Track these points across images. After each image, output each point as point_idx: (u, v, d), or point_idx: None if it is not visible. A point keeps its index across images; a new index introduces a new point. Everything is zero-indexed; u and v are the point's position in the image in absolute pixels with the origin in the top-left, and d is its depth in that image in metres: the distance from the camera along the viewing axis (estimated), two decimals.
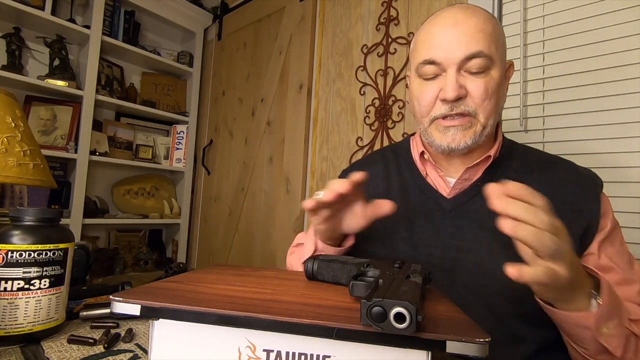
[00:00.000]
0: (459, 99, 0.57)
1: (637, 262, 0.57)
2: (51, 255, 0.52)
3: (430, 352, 0.29)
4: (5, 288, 0.49)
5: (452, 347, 0.28)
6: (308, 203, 0.51)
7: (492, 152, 0.61)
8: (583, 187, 0.59)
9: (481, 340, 0.28)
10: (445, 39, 0.57)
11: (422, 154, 0.67)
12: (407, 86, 0.72)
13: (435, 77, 0.59)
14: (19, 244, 0.50)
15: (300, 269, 0.61)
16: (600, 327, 0.42)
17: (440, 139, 0.59)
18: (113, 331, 0.54)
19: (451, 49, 0.56)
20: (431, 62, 0.58)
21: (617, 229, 0.59)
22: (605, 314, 0.42)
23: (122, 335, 0.53)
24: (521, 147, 0.69)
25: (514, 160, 0.64)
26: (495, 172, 0.62)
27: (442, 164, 0.66)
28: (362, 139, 1.46)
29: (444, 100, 0.58)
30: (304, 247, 0.63)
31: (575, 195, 0.57)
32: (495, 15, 1.13)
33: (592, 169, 0.89)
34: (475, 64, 0.56)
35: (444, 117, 0.59)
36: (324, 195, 0.49)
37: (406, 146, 0.73)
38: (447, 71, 0.57)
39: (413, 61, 0.63)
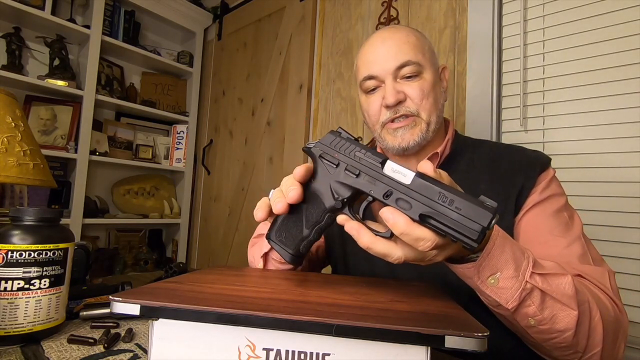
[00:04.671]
0: (399, 103, 0.65)
1: (577, 227, 0.59)
2: (51, 255, 0.52)
3: (429, 348, 0.29)
4: (5, 288, 0.49)
5: (451, 341, 0.28)
6: (260, 213, 0.46)
7: (439, 150, 0.68)
8: (523, 166, 0.64)
9: (479, 334, 0.28)
10: (378, 54, 0.67)
11: None
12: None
13: (376, 89, 0.68)
14: (19, 244, 0.50)
15: (261, 262, 0.61)
16: (486, 278, 0.42)
17: (392, 140, 0.67)
18: (113, 331, 0.54)
19: (384, 62, 0.66)
20: (370, 77, 0.67)
21: (557, 200, 0.61)
22: (490, 265, 0.41)
23: (122, 335, 0.53)
24: (473, 141, 0.74)
25: (465, 155, 0.70)
26: (448, 167, 0.68)
27: None
28: (362, 139, 1.46)
29: (387, 107, 0.66)
30: (263, 240, 0.62)
31: (515, 174, 0.63)
32: (496, 15, 1.13)
33: (591, 169, 0.90)
34: (407, 70, 0.65)
35: (392, 121, 0.67)
36: (277, 207, 0.44)
37: None
38: (385, 81, 0.66)
39: (357, 81, 0.72)
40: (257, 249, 0.66)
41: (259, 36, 2.00)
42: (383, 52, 0.66)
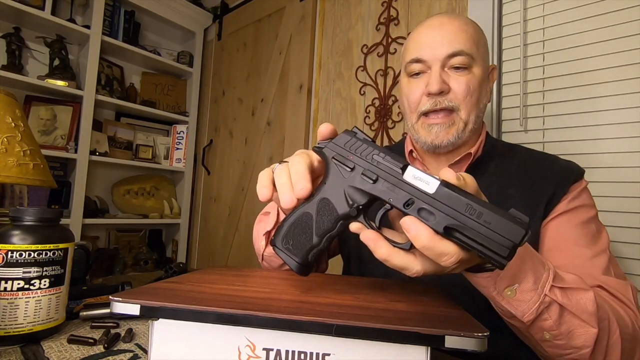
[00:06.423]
0: (441, 93, 0.61)
1: (603, 241, 0.57)
2: (51, 255, 0.52)
3: (429, 348, 0.29)
4: (5, 288, 0.49)
5: (451, 341, 0.28)
6: (266, 191, 0.41)
7: (472, 150, 0.65)
8: (555, 175, 0.62)
9: (479, 334, 0.28)
10: (431, 38, 0.63)
11: (410, 152, 0.71)
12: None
13: (421, 74, 0.64)
14: (19, 244, 0.50)
15: (263, 240, 0.61)
16: (503, 289, 0.41)
17: (425, 135, 0.64)
18: (113, 331, 0.54)
19: (436, 47, 0.62)
20: (418, 60, 0.64)
21: (586, 211, 0.60)
22: (508, 276, 0.40)
23: (122, 335, 0.53)
24: (505, 145, 0.72)
25: (496, 158, 0.68)
26: (478, 169, 0.66)
27: (430, 162, 0.69)
28: None
29: (429, 95, 0.62)
30: (269, 217, 0.61)
31: (546, 182, 0.61)
32: (496, 15, 1.13)
33: (592, 169, 0.89)
34: (457, 60, 0.61)
35: (428, 114, 0.64)
36: (284, 200, 0.39)
37: (401, 146, 0.77)
38: (432, 67, 0.62)
39: (403, 62, 0.69)
40: (262, 226, 0.64)
41: (259, 36, 2.00)
42: (437, 37, 0.62)
